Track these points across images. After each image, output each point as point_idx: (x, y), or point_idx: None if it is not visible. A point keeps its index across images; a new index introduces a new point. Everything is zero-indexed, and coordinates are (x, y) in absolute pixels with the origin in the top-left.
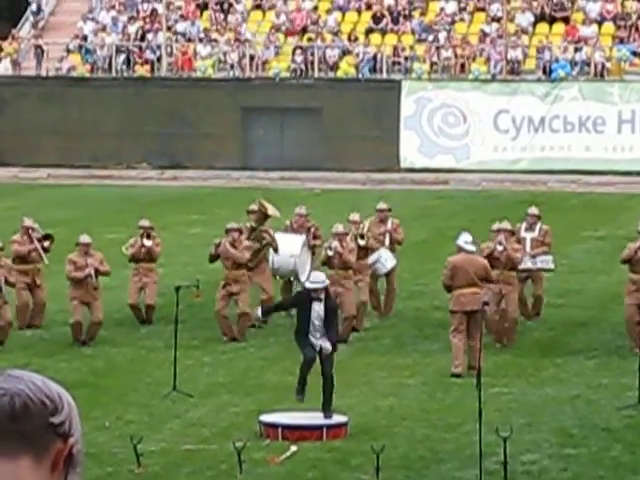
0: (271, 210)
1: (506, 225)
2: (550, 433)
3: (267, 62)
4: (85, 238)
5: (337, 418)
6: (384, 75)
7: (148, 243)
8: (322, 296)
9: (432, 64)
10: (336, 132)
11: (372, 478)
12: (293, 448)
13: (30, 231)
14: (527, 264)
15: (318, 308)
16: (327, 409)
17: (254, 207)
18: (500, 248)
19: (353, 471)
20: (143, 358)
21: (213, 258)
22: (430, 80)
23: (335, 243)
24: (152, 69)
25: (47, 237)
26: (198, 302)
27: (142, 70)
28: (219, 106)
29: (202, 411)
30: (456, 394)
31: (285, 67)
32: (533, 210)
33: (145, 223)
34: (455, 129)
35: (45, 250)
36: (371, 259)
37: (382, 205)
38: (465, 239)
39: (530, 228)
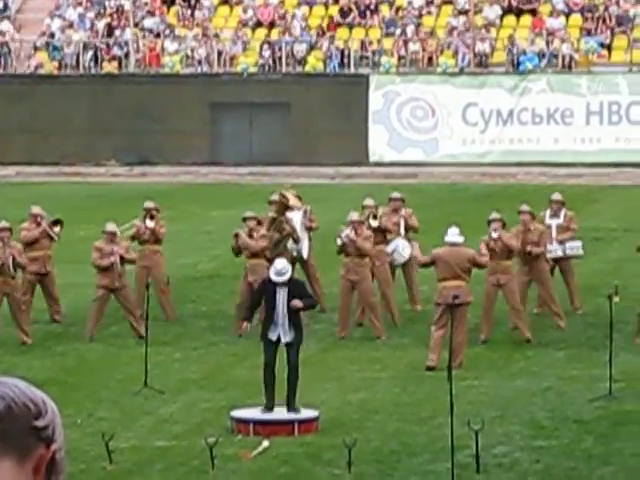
0: (292, 201)
1: (497, 215)
2: (522, 425)
3: (235, 57)
4: (111, 226)
5: (308, 412)
6: (352, 69)
7: (150, 224)
8: (286, 281)
9: (400, 58)
10: (305, 127)
11: (344, 472)
12: (265, 443)
13: (39, 219)
14: (557, 252)
15: (282, 294)
16: (291, 402)
17: (275, 198)
18: (495, 235)
19: (325, 465)
20: (114, 355)
21: (235, 250)
22: (398, 74)
23: (348, 231)
24: (120, 65)
25: (57, 222)
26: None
27: (110, 67)
28: (187, 102)
29: (173, 407)
30: (427, 387)
31: (253, 62)
32: (557, 196)
33: (150, 205)
34: (424, 122)
35: (57, 235)
36: (389, 249)
37: (396, 194)
38: (452, 232)
39: (555, 215)
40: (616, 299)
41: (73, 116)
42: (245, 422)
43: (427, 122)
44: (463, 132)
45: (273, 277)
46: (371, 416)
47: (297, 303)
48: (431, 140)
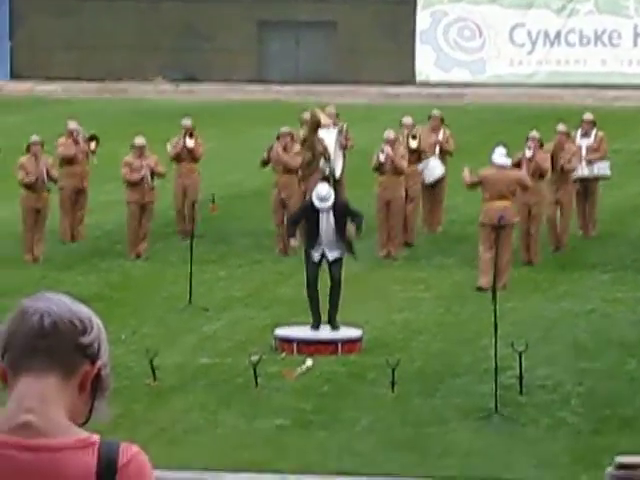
0: (324, 119)
1: (535, 134)
2: (565, 347)
3: None
4: (140, 140)
5: (352, 332)
6: None
7: (190, 143)
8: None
9: None
10: (351, 46)
11: (387, 392)
12: (308, 362)
13: (75, 134)
14: (584, 172)
15: (326, 216)
16: (333, 318)
17: (306, 116)
18: (529, 154)
19: (368, 385)
20: (159, 272)
21: (265, 163)
22: None
23: (387, 148)
24: None
25: (93, 138)
26: (213, 216)
27: None
28: (235, 20)
29: (218, 325)
30: (471, 308)
31: None
32: (588, 116)
33: (187, 122)
34: (471, 43)
35: (92, 152)
36: (420, 166)
37: (435, 113)
38: (499, 152)
39: (586, 135)
40: None
41: (120, 32)
42: (289, 341)
43: (474, 42)
44: (510, 53)
45: (317, 203)
46: (415, 336)
47: (352, 233)
48: (478, 60)
